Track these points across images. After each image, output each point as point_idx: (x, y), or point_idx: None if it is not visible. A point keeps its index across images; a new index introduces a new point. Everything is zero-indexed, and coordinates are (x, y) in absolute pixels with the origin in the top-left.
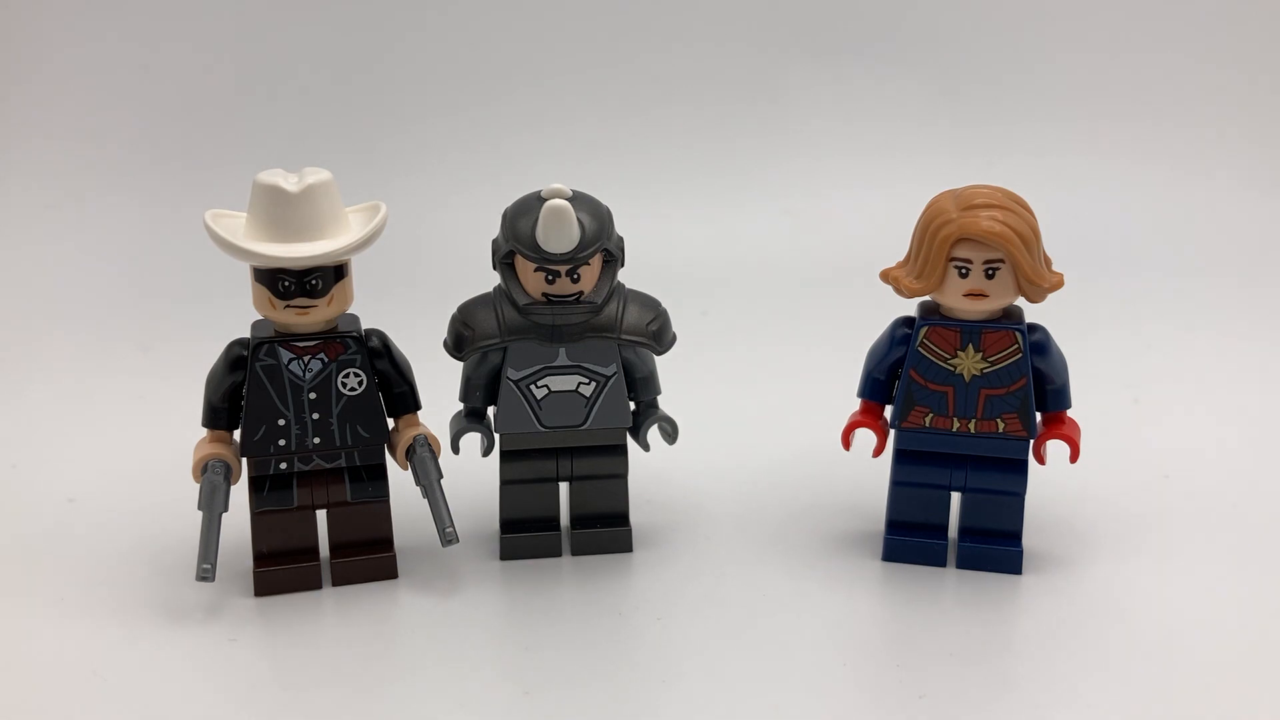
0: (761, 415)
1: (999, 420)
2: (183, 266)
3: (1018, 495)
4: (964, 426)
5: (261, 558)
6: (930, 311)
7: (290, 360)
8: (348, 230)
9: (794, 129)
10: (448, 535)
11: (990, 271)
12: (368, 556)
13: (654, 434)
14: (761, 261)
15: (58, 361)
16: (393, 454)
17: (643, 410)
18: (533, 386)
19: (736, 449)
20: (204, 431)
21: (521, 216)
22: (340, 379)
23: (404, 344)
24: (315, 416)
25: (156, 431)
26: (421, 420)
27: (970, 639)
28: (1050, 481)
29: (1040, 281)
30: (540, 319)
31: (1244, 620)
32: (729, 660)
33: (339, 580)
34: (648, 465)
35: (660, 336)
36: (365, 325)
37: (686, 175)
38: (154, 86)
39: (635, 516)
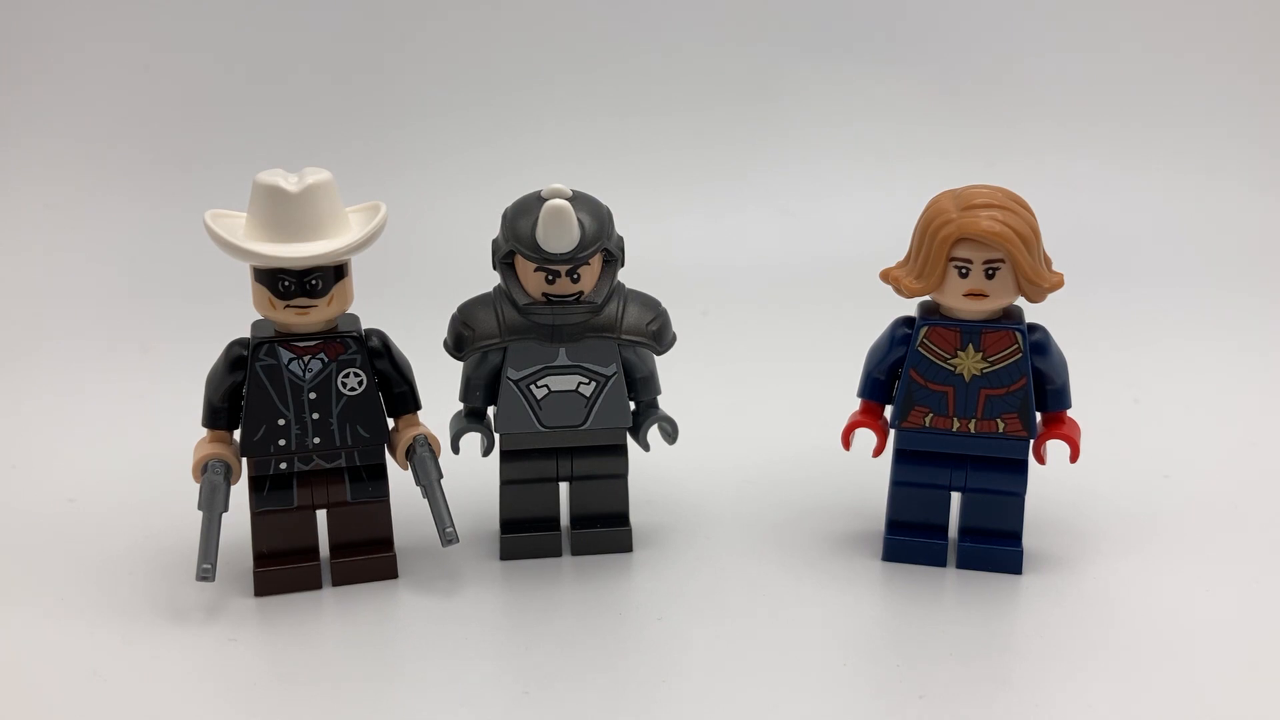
0: (761, 415)
1: (999, 420)
2: (183, 266)
3: (1018, 495)
4: (964, 426)
5: (261, 558)
6: (930, 311)
7: (290, 360)
8: (348, 230)
9: (794, 129)
10: (448, 535)
11: (990, 271)
12: (368, 556)
13: (654, 434)
14: (762, 261)
15: (58, 361)
16: (393, 454)
17: (643, 410)
18: (533, 386)
19: (737, 449)
20: (204, 431)
21: (521, 216)
22: (340, 379)
23: (404, 344)
24: (315, 416)
25: (156, 431)
26: (421, 420)
27: (970, 639)
28: (1050, 481)
29: (1040, 281)
30: (540, 319)
31: (1244, 620)
32: (729, 660)
33: (339, 580)
34: (648, 465)
35: (660, 336)
36: (365, 325)
37: (687, 175)
38: (155, 86)
39: (635, 516)
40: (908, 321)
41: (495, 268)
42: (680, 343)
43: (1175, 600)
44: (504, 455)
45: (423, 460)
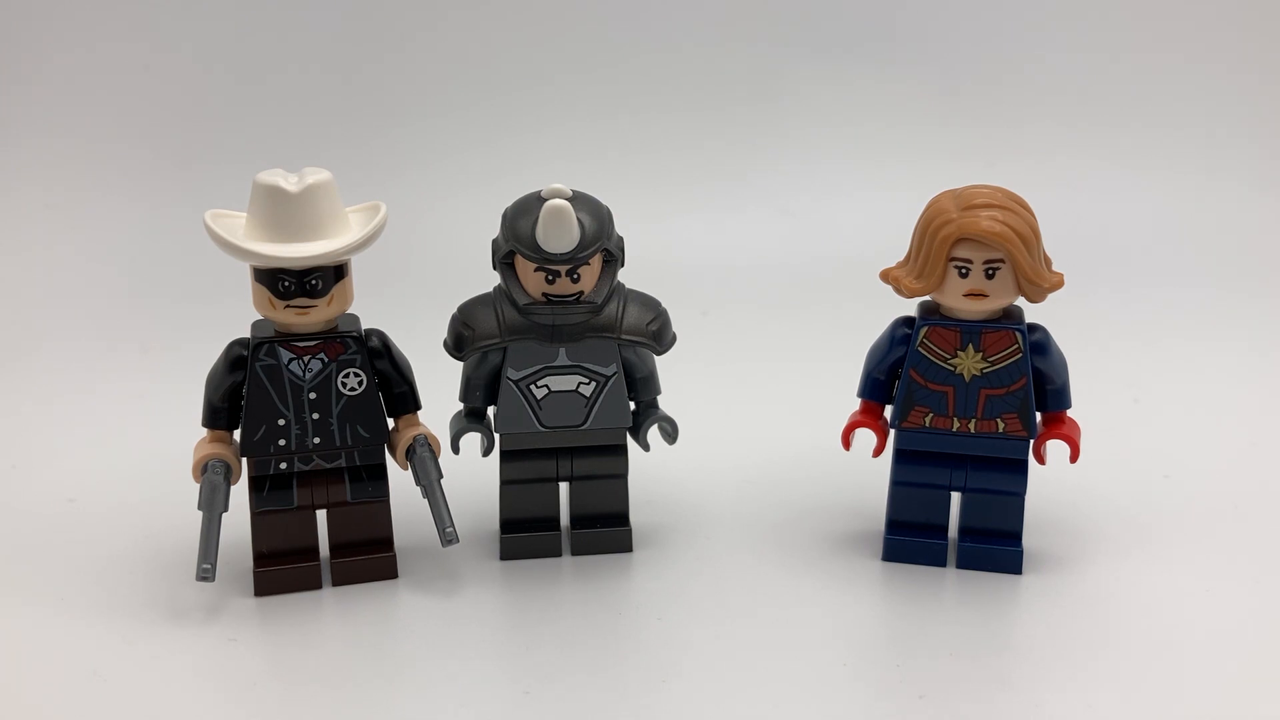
0: (761, 415)
1: (999, 420)
2: (183, 266)
3: (1018, 495)
4: (964, 426)
5: (261, 558)
6: (930, 311)
7: (290, 360)
8: (348, 230)
9: (794, 129)
10: (448, 535)
11: (990, 271)
12: (368, 556)
13: (654, 434)
14: (761, 261)
15: (58, 361)
16: (393, 454)
17: (643, 410)
18: (533, 386)
19: (737, 449)
20: (204, 431)
21: (521, 216)
22: (340, 379)
23: (404, 344)
24: (315, 416)
25: (156, 431)
26: (421, 420)
27: (970, 639)
28: (1050, 481)
29: (1040, 281)
30: (540, 319)
31: (1244, 620)
32: (729, 660)
33: (339, 580)
34: (648, 465)
35: (660, 336)
36: (365, 325)
37: (687, 175)
38: (154, 86)
39: (635, 516)
40: (908, 321)
41: (495, 268)
42: (680, 343)
43: (1175, 600)
44: (504, 455)
45: (423, 460)
